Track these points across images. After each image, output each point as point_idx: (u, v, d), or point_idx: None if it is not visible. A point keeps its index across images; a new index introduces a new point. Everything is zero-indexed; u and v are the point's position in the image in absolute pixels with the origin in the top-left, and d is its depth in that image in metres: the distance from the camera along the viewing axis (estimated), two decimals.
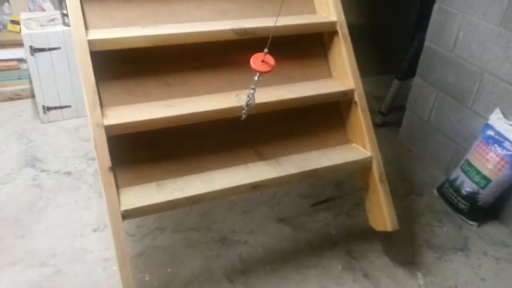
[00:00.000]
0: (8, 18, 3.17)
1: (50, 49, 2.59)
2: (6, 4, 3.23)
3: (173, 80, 1.57)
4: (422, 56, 2.55)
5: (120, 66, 1.50)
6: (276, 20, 1.37)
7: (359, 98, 1.69)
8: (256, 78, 1.37)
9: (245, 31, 1.57)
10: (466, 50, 2.22)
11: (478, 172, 2.03)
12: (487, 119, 2.10)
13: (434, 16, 2.42)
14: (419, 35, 2.60)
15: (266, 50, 1.35)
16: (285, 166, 1.58)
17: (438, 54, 2.41)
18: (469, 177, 2.08)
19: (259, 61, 1.35)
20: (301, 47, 1.77)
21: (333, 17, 1.72)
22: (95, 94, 1.36)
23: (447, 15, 2.31)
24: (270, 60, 1.37)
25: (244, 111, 1.44)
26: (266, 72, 1.36)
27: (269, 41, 1.33)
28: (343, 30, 1.70)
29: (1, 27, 3.15)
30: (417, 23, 3.13)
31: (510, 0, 1.95)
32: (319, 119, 1.77)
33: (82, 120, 2.76)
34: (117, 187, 1.38)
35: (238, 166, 1.59)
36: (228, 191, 1.48)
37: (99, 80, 1.41)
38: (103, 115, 1.37)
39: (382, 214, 1.70)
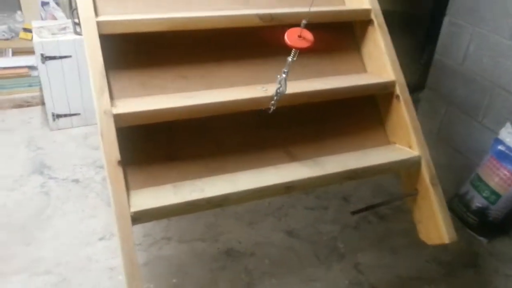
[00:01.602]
0: (21, 26, 3.12)
1: (61, 57, 2.53)
2: (19, 12, 3.19)
3: (191, 73, 1.38)
4: (431, 69, 2.50)
5: (133, 56, 1.33)
6: (311, 4, 1.18)
7: (401, 90, 1.47)
8: (290, 58, 1.15)
9: (271, 17, 1.38)
10: (477, 63, 2.16)
11: (488, 187, 1.96)
12: (497, 133, 2.03)
13: (444, 29, 2.36)
14: (429, 48, 2.60)
15: (304, 22, 1.14)
16: (322, 165, 1.36)
17: (448, 67, 2.34)
18: (479, 192, 2.01)
19: (295, 36, 1.15)
20: (331, 39, 1.57)
21: (366, 5, 1.53)
22: (103, 78, 1.18)
23: (457, 27, 2.25)
24: (308, 35, 1.16)
25: (273, 101, 1.23)
26: (305, 49, 1.15)
27: (303, 24, 1.12)
28: (378, 19, 1.52)
29: (13, 34, 3.09)
30: (427, 36, 3.13)
31: None
32: (354, 117, 1.56)
33: (91, 128, 2.69)
34: (127, 189, 1.17)
35: (267, 167, 1.36)
36: (256, 192, 1.24)
37: (109, 71, 1.24)
38: (112, 105, 1.19)
39: (436, 225, 1.45)
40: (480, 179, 2.03)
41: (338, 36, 1.57)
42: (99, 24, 1.22)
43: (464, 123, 2.29)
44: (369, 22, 1.53)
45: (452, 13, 2.30)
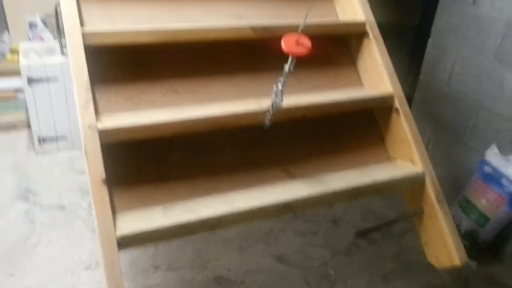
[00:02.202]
0: (7, 47, 3.04)
1: (47, 80, 2.49)
2: (6, 33, 3.14)
3: (182, 87, 1.30)
4: (417, 89, 2.45)
5: (120, 69, 1.25)
6: (306, 16, 1.11)
7: (401, 103, 1.41)
8: (287, 66, 1.08)
9: (264, 28, 1.33)
10: (461, 84, 2.12)
11: (476, 209, 1.89)
12: (483, 154, 1.96)
13: (429, 49, 2.34)
14: (413, 67, 2.57)
15: (300, 27, 1.07)
16: (324, 183, 1.28)
17: (433, 87, 2.29)
18: (467, 214, 1.93)
19: (292, 42, 1.08)
20: (325, 52, 1.50)
21: (361, 17, 1.48)
22: (88, 91, 1.09)
23: (441, 49, 2.22)
24: (306, 41, 1.09)
25: (269, 115, 1.15)
26: (302, 56, 1.08)
27: (301, 27, 1.06)
28: (374, 31, 1.47)
29: (0, 56, 3.04)
30: (411, 55, 3.12)
31: (504, 34, 1.87)
32: (353, 133, 1.49)
33: (78, 152, 2.57)
34: (113, 211, 1.08)
35: (264, 186, 1.27)
36: (253, 212, 1.15)
37: (94, 85, 1.16)
38: (97, 119, 1.10)
39: (446, 245, 1.36)
40: (467, 201, 1.96)
41: (332, 49, 1.51)
42: (84, 35, 1.15)
43: (450, 144, 2.24)
44: (364, 34, 1.48)
45: (436, 34, 2.29)
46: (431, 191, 1.37)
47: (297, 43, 1.08)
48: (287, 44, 1.07)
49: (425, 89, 2.40)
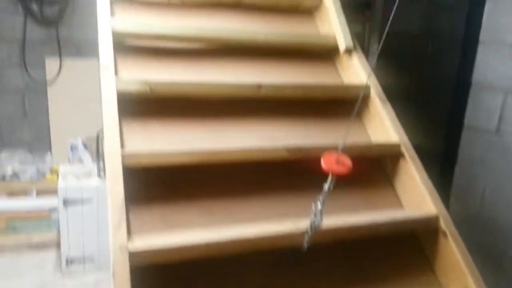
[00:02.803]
0: (48, 166, 3.18)
1: (82, 202, 2.52)
2: (49, 153, 3.29)
3: (217, 208, 1.26)
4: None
5: (155, 189, 1.23)
6: (346, 136, 1.10)
7: (447, 225, 1.30)
8: (327, 185, 1.03)
9: (299, 149, 1.31)
10: (494, 211, 2.04)
11: None
12: None
13: (457, 176, 2.24)
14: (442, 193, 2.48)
15: (340, 145, 1.06)
16: None
17: (465, 213, 2.17)
18: None
19: (332, 161, 1.05)
20: (360, 173, 1.36)
21: (394, 139, 1.44)
22: (122, 211, 1.07)
23: (471, 176, 2.18)
24: (346, 160, 1.06)
25: (307, 237, 1.07)
26: (343, 175, 1.05)
27: (341, 146, 1.05)
28: (409, 152, 1.42)
29: (40, 176, 3.12)
30: (439, 181, 3.04)
31: None
32: (396, 259, 1.36)
33: (103, 274, 2.53)
34: None
35: None
36: None
37: (129, 205, 1.14)
38: (129, 239, 1.06)
39: None
40: None
41: (367, 169, 1.45)
42: (124, 156, 1.15)
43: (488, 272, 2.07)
44: (399, 155, 1.44)
45: (462, 162, 2.24)
46: None
47: (337, 162, 1.05)
48: (327, 162, 1.04)
49: (457, 214, 2.29)
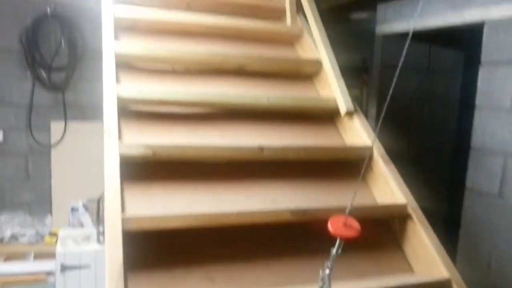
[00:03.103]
0: (48, 229, 3.11)
1: (80, 267, 2.45)
2: (49, 216, 3.22)
3: (218, 274, 1.21)
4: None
5: (155, 254, 1.18)
6: (353, 198, 1.07)
7: None
8: (335, 249, 1.00)
9: (303, 212, 1.28)
10: (501, 276, 1.99)
11: None
12: None
13: (462, 239, 2.23)
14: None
15: (348, 208, 1.03)
16: None
17: (471, 275, 2.12)
18: None
19: (340, 224, 1.02)
20: (368, 235, 1.29)
21: (401, 200, 1.42)
22: (119, 279, 1.02)
23: (475, 239, 2.15)
24: (354, 223, 1.03)
25: None
26: (351, 239, 1.02)
27: (349, 208, 1.02)
28: (417, 213, 1.39)
29: (39, 238, 3.06)
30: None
31: None
32: None
33: None
34: None
35: None
36: None
37: (127, 271, 1.09)
38: None
39: None
40: None
41: (374, 231, 1.41)
42: (124, 220, 1.12)
43: None
44: (407, 216, 1.40)
45: (466, 225, 2.19)
46: None
47: (345, 225, 1.02)
48: (335, 226, 1.01)
49: (463, 278, 2.21)
